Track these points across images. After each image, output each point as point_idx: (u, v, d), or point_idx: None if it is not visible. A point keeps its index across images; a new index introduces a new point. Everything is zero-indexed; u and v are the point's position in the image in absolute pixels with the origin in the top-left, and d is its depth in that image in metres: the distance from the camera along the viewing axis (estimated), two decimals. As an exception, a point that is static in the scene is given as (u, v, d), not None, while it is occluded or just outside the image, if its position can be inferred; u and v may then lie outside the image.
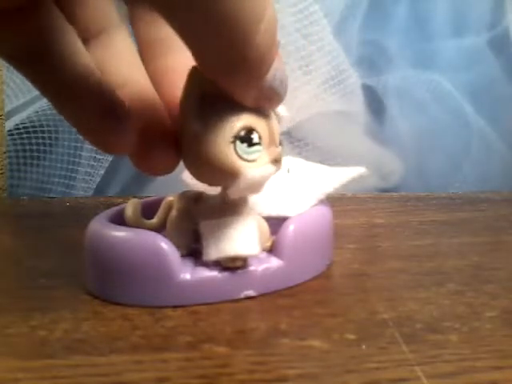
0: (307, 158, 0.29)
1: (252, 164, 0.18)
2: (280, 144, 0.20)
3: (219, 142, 0.18)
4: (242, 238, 0.20)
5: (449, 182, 0.47)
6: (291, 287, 0.22)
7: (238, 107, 0.18)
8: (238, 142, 0.18)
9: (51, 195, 0.45)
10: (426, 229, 0.32)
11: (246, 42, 0.14)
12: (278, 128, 0.19)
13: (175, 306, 0.20)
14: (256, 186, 0.19)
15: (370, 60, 0.46)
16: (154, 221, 0.23)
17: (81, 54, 0.18)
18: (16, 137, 0.45)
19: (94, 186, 0.45)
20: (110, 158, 0.45)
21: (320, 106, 0.46)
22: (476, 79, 0.47)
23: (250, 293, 0.21)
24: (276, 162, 0.19)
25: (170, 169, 0.19)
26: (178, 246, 0.21)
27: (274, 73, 0.16)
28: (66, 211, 0.39)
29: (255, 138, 0.18)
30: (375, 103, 0.47)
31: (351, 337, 0.18)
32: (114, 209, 0.24)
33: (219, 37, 0.14)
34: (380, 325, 0.19)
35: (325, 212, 0.25)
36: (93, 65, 0.18)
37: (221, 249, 0.20)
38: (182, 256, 0.21)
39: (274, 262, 0.22)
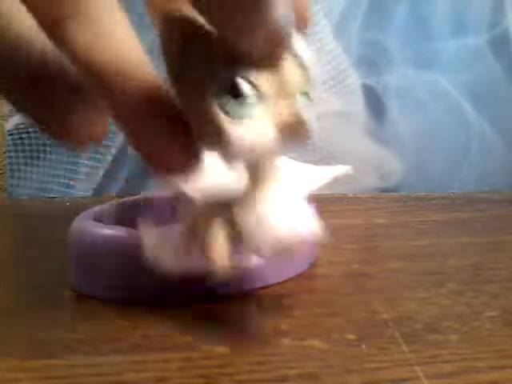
0: (307, 158, 0.29)
1: (247, 122, 0.14)
2: (306, 96, 0.16)
3: (201, 97, 0.15)
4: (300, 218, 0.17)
5: (449, 182, 0.47)
6: (291, 287, 0.22)
7: (225, 55, 0.14)
8: (224, 96, 0.14)
9: (51, 195, 0.45)
10: (426, 229, 0.32)
11: None
12: (297, 77, 0.15)
13: (150, 303, 0.21)
14: (257, 153, 0.15)
15: (370, 60, 0.46)
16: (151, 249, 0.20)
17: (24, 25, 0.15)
18: (16, 137, 0.45)
19: (94, 186, 0.45)
20: (110, 158, 0.45)
21: (320, 106, 0.46)
22: (476, 79, 0.47)
23: (227, 291, 0.21)
24: (285, 123, 0.15)
25: (194, 163, 0.15)
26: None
27: (280, 10, 0.13)
28: (65, 211, 0.39)
29: (245, 88, 0.14)
30: (375, 103, 0.47)
31: (351, 337, 0.18)
32: (99, 207, 0.25)
33: None
34: (380, 325, 0.19)
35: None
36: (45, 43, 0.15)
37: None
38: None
39: (253, 261, 0.22)
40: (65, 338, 0.18)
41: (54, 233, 0.30)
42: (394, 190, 0.46)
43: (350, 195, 0.44)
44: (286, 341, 0.18)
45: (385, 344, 0.17)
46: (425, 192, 0.45)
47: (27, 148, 0.45)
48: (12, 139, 0.45)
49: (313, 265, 0.25)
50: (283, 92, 0.15)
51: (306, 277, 0.24)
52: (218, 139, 0.15)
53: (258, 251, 0.17)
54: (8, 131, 0.45)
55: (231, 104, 0.14)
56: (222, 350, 0.17)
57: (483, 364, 0.16)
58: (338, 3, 0.46)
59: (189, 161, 0.15)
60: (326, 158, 0.46)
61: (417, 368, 0.16)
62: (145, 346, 0.17)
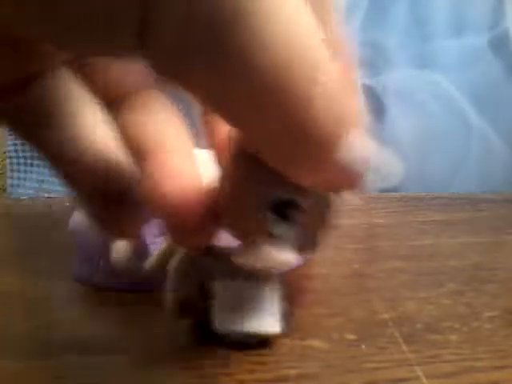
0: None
1: (275, 242, 0.15)
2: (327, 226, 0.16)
3: (249, 206, 0.15)
4: (264, 312, 0.17)
5: (449, 182, 0.47)
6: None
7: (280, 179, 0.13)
8: (269, 212, 0.15)
9: (51, 195, 0.45)
10: (426, 229, 0.32)
11: (299, 114, 0.10)
12: (333, 209, 0.16)
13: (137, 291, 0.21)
14: (268, 266, 0.16)
15: (370, 60, 0.46)
16: (151, 263, 0.19)
17: (95, 127, 0.14)
18: (16, 137, 0.45)
19: (94, 186, 0.45)
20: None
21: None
22: (476, 79, 0.47)
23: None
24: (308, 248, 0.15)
25: (208, 239, 0.16)
26: (179, 303, 0.17)
27: (347, 147, 0.11)
28: (65, 211, 0.39)
29: (292, 214, 0.15)
30: (375, 103, 0.47)
31: (351, 337, 0.18)
32: None
33: (260, 111, 0.10)
34: (380, 325, 0.19)
35: None
36: (111, 141, 0.15)
37: (236, 321, 0.17)
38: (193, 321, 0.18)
39: None
40: (65, 338, 0.18)
41: (54, 233, 0.30)
42: (394, 190, 0.46)
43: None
44: (286, 341, 0.18)
45: (385, 344, 0.17)
46: (425, 192, 0.45)
47: (27, 148, 0.45)
48: (12, 139, 0.45)
49: (312, 264, 0.25)
50: (317, 219, 0.15)
51: (306, 277, 0.24)
52: (244, 244, 0.15)
53: None
54: (8, 131, 0.45)
55: (272, 221, 0.15)
56: (222, 350, 0.17)
57: (483, 364, 0.16)
58: (338, 3, 0.46)
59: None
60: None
61: (417, 368, 0.16)
62: (145, 346, 0.17)
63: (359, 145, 0.12)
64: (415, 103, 0.47)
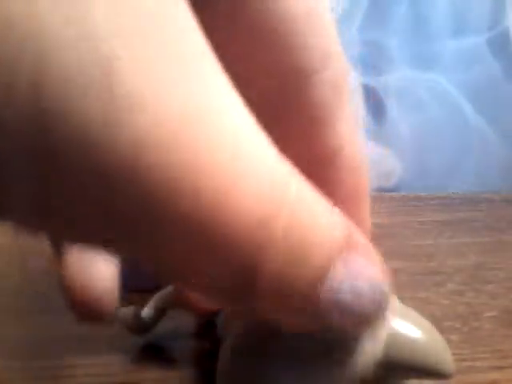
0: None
1: None
2: None
3: None
4: None
5: (449, 182, 0.47)
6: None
7: None
8: None
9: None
10: (426, 229, 0.32)
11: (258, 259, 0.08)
12: None
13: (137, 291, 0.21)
14: None
15: (370, 60, 0.46)
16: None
17: None
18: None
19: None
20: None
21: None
22: (476, 79, 0.47)
23: None
24: None
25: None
26: None
27: (335, 284, 0.09)
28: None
29: None
30: (375, 103, 0.47)
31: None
32: None
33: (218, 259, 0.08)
34: (380, 325, 0.19)
35: None
36: None
37: None
38: None
39: None
40: (65, 338, 0.18)
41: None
42: (394, 190, 0.46)
43: (350, 195, 0.44)
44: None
45: (385, 344, 0.17)
46: (425, 192, 0.45)
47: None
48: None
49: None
50: None
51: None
52: None
53: None
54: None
55: None
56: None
57: (483, 364, 0.16)
58: (338, 3, 0.46)
59: None
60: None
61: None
62: (145, 346, 0.17)
63: (352, 275, 0.09)
64: (415, 103, 0.47)
